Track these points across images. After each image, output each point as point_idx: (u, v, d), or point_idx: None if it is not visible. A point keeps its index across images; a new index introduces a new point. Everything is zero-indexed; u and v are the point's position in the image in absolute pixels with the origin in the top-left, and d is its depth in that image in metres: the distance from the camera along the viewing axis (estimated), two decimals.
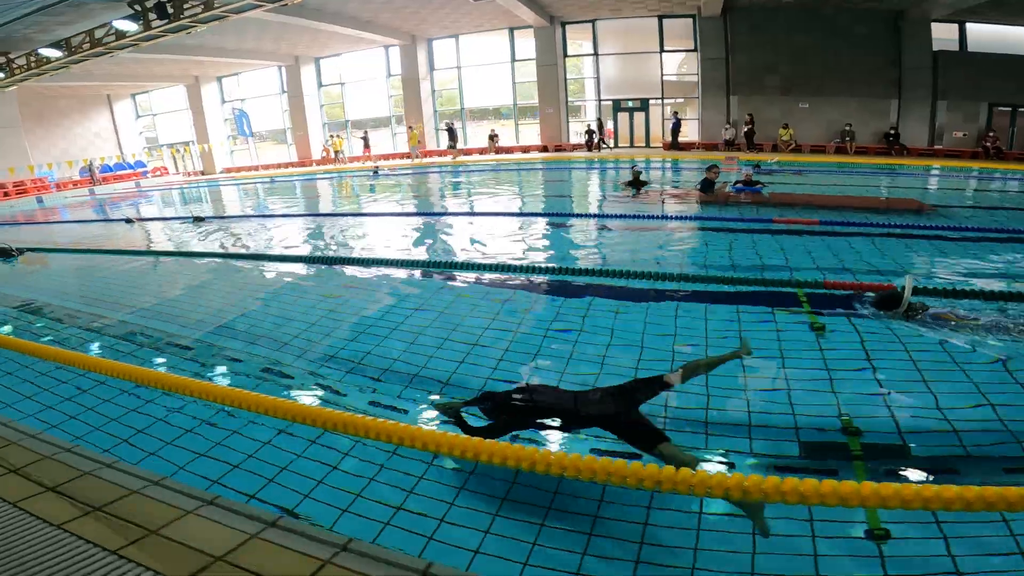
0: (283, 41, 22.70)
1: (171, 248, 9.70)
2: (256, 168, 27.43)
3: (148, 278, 7.64)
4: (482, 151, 23.77)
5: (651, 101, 22.08)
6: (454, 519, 2.45)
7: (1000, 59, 17.27)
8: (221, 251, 8.76)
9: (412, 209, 12.54)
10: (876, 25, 18.16)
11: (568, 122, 23.23)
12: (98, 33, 15.72)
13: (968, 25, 17.80)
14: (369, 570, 1.59)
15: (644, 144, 22.44)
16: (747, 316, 4.44)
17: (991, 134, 17.13)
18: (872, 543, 2.19)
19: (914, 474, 2.68)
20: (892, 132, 18.40)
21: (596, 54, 22.17)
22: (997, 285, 4.86)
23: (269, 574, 1.56)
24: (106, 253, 9.49)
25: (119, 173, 27.72)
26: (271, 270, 7.28)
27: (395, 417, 3.26)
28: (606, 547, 2.28)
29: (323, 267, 7.11)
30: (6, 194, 21.58)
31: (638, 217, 8.58)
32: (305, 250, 8.52)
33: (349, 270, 6.91)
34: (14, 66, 18.20)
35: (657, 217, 8.62)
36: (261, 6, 13.79)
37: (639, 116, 22.45)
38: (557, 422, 2.90)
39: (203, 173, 28.36)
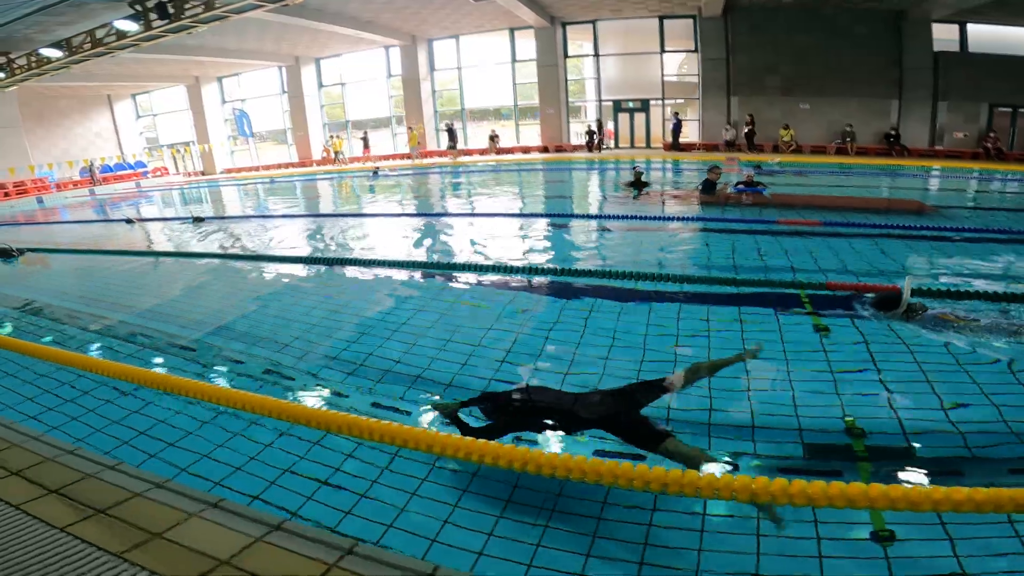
0: (284, 41, 22.69)
1: (171, 249, 9.69)
2: (256, 168, 27.42)
3: (148, 279, 7.64)
4: (482, 152, 23.76)
5: (652, 102, 22.07)
6: (457, 521, 2.45)
7: (1001, 60, 17.26)
8: (220, 252, 8.75)
9: (413, 210, 12.53)
10: (877, 25, 18.15)
11: (569, 123, 23.22)
12: (99, 33, 15.71)
13: (969, 26, 17.78)
14: (375, 573, 1.58)
15: (645, 145, 22.43)
16: (750, 317, 4.43)
17: (992, 135, 17.12)
18: (877, 545, 2.18)
19: (920, 476, 2.67)
20: (893, 133, 18.40)
21: (597, 55, 22.17)
22: (998, 286, 4.86)
23: None
24: (106, 254, 9.49)
25: (119, 173, 27.71)
26: (272, 271, 7.28)
27: (397, 419, 3.25)
28: (610, 549, 2.27)
29: (324, 268, 7.11)
30: (6, 194, 21.57)
31: (641, 218, 8.57)
32: (306, 251, 8.52)
33: (350, 271, 6.90)
34: (15, 66, 18.19)
35: (660, 218, 8.61)
36: (262, 6, 13.78)
37: (640, 117, 22.44)
38: (557, 423, 2.89)
39: (203, 173, 28.33)
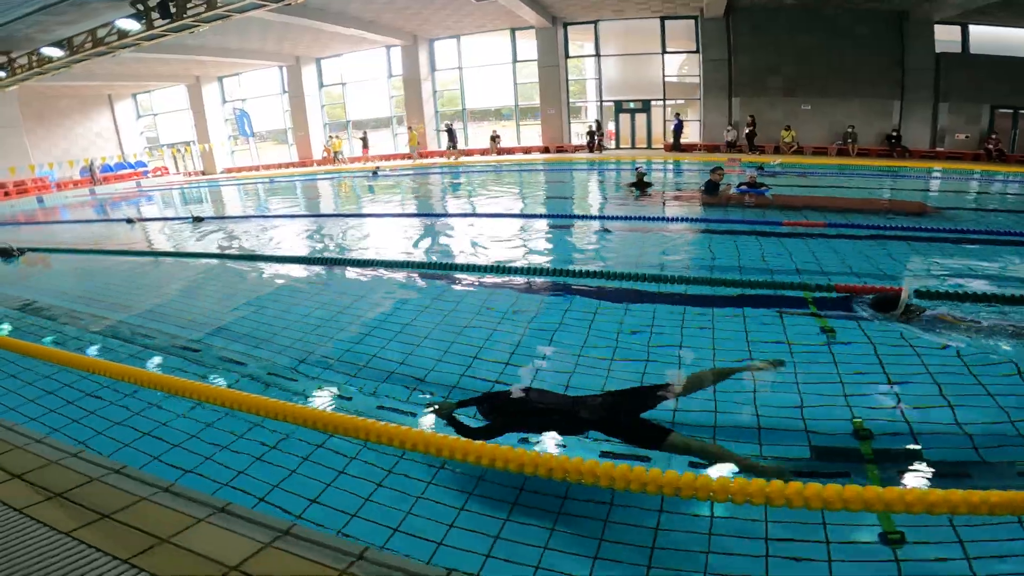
0: (285, 41, 22.68)
1: (172, 249, 9.67)
2: (257, 168, 27.41)
3: (149, 278, 7.62)
4: (483, 152, 23.75)
5: (653, 102, 22.05)
6: (464, 524, 2.43)
7: (1002, 61, 17.26)
8: (220, 252, 8.73)
9: (413, 210, 12.52)
10: (878, 26, 18.14)
11: (570, 123, 23.22)
12: (100, 32, 15.68)
13: (971, 27, 17.78)
14: None
15: (646, 145, 22.42)
16: (754, 319, 4.41)
17: (993, 136, 17.12)
18: (887, 547, 2.17)
19: (927, 478, 2.66)
20: (894, 134, 18.39)
21: (598, 55, 22.15)
22: (1000, 288, 4.84)
23: None
24: (107, 253, 9.48)
25: (120, 173, 27.69)
26: (273, 271, 7.25)
27: (402, 421, 3.24)
28: (617, 551, 2.25)
29: (325, 268, 7.08)
30: (7, 194, 21.56)
31: (644, 219, 8.55)
32: (307, 251, 8.50)
33: (351, 272, 6.88)
34: (15, 66, 18.16)
35: (663, 219, 8.59)
36: (264, 5, 13.74)
37: (641, 117, 22.43)
38: (556, 425, 2.87)
39: (204, 173, 28.32)
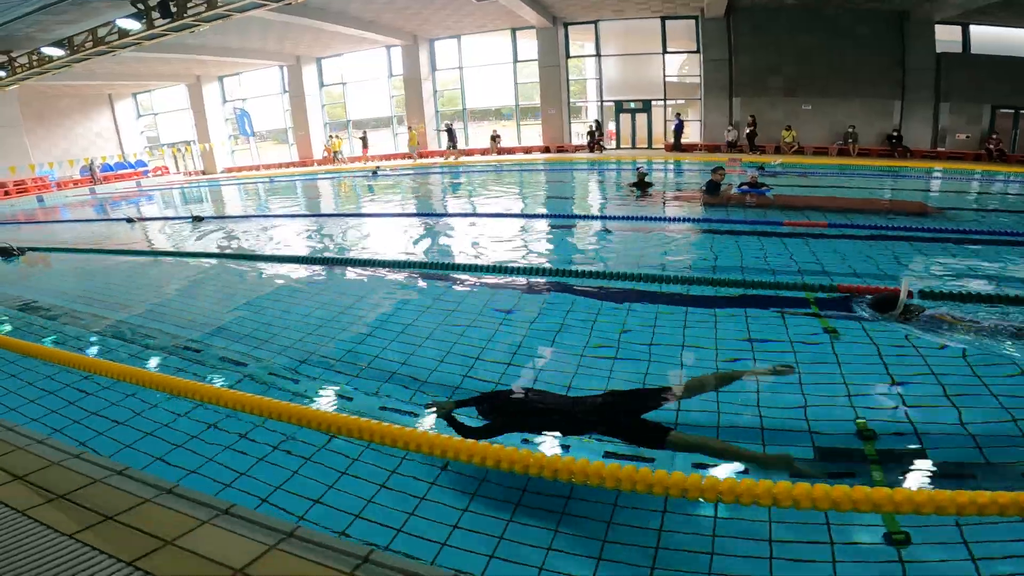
0: (286, 41, 22.66)
1: (172, 248, 9.66)
2: (257, 168, 27.40)
3: (149, 278, 7.61)
4: (483, 152, 23.74)
5: (653, 102, 22.04)
6: (467, 525, 2.42)
7: (1003, 61, 17.25)
8: (220, 251, 8.72)
9: (413, 210, 12.50)
10: (879, 26, 18.13)
11: (570, 123, 23.20)
12: (101, 32, 15.66)
13: (971, 27, 17.77)
14: None
15: (646, 145, 22.41)
16: (756, 320, 4.40)
17: (994, 136, 17.11)
18: (892, 548, 2.16)
19: (932, 479, 2.65)
20: (895, 134, 18.38)
21: (598, 55, 22.14)
22: (1000, 288, 4.84)
23: None
24: (107, 253, 9.46)
25: (120, 172, 27.69)
26: (273, 271, 7.24)
27: (404, 422, 3.23)
28: (621, 553, 2.25)
29: (327, 269, 7.08)
30: (7, 193, 21.55)
31: (645, 219, 8.54)
32: (307, 251, 8.49)
33: (352, 272, 6.87)
34: (16, 65, 18.14)
35: (665, 219, 8.58)
36: (265, 5, 13.72)
37: (641, 117, 22.42)
38: (556, 425, 2.87)
39: (204, 173, 28.31)
